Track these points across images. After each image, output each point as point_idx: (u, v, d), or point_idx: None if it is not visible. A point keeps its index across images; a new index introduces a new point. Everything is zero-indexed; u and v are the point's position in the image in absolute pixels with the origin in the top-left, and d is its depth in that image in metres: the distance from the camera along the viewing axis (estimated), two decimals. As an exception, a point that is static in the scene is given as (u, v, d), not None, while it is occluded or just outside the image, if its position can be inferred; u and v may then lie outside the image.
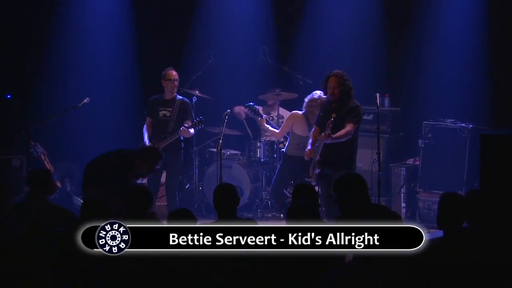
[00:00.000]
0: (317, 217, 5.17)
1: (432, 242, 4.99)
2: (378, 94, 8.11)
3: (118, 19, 11.06)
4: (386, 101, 9.87)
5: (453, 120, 9.47)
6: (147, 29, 11.15)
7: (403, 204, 9.43)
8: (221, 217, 5.67)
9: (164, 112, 8.74)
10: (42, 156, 9.75)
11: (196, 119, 8.56)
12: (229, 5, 11.14)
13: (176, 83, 8.78)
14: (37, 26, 10.80)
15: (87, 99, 9.02)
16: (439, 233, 5.45)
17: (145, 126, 8.89)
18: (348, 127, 7.66)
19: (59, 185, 9.81)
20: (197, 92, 10.15)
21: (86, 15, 10.93)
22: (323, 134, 7.67)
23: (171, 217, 5.24)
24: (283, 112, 10.20)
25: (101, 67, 10.95)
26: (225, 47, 11.01)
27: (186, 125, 8.51)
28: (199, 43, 11.08)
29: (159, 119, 8.74)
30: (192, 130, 8.58)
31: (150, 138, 8.72)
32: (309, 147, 8.02)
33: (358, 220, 5.09)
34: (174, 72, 8.83)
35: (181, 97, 8.85)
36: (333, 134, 7.63)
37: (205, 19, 11.13)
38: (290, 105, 10.54)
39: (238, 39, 11.09)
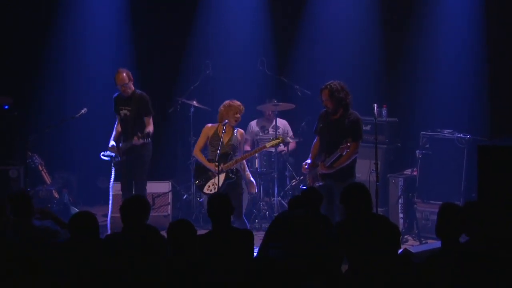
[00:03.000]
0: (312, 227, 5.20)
1: (431, 252, 4.99)
2: (376, 105, 8.10)
3: (116, 30, 11.08)
4: (384, 112, 9.88)
5: (450, 131, 9.47)
6: (145, 40, 11.17)
7: (400, 215, 9.41)
8: (216, 227, 5.69)
9: (124, 111, 8.65)
10: (39, 166, 9.75)
11: (144, 132, 8.31)
12: (227, 16, 11.16)
13: (123, 88, 8.54)
14: (35, 37, 10.82)
15: (85, 109, 9.02)
16: (437, 244, 5.46)
17: (115, 124, 8.79)
18: (352, 147, 7.72)
19: (56, 196, 9.80)
20: (194, 102, 10.17)
21: (84, 26, 10.95)
22: (322, 165, 7.77)
23: (172, 228, 5.24)
24: (280, 123, 10.20)
25: (98, 78, 10.96)
26: (223, 58, 11.03)
27: (139, 134, 8.32)
28: (197, 54, 11.09)
29: (122, 118, 8.68)
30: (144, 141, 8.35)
31: (115, 138, 8.65)
32: (309, 161, 8.01)
33: (359, 227, 5.19)
34: (120, 76, 8.59)
35: (139, 91, 8.67)
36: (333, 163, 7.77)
37: (203, 30, 11.15)
38: (287, 116, 10.56)
39: (236, 50, 11.11)
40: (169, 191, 10.12)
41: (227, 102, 8.44)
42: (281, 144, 10.16)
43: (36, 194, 9.62)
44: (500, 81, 9.96)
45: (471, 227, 5.03)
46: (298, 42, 11.08)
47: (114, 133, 8.74)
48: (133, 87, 8.66)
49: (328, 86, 7.87)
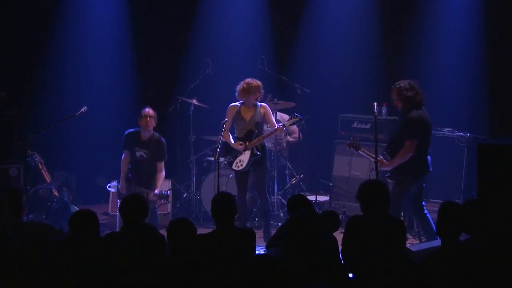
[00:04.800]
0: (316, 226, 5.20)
1: (431, 251, 4.99)
2: (375, 103, 8.10)
3: (116, 29, 11.08)
4: (384, 110, 9.87)
5: (450, 129, 9.48)
6: (145, 39, 11.17)
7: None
8: (219, 227, 5.67)
9: (140, 153, 8.65)
10: (39, 165, 9.74)
11: (164, 192, 8.57)
12: (227, 14, 11.16)
13: (149, 119, 8.58)
14: (35, 36, 10.82)
15: (85, 108, 9.00)
16: (437, 242, 5.46)
17: (122, 159, 8.78)
18: (406, 146, 7.71)
19: (56, 194, 9.80)
20: (194, 101, 10.16)
21: (84, 25, 10.95)
22: (381, 161, 7.86)
23: (172, 227, 5.24)
24: (281, 117, 10.17)
25: (99, 77, 10.97)
26: (223, 56, 11.03)
27: (156, 192, 8.55)
28: (197, 53, 11.09)
29: (136, 159, 8.68)
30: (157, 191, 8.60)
31: (126, 178, 8.69)
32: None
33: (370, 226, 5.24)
34: (147, 109, 8.63)
35: (158, 135, 8.71)
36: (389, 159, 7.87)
37: (203, 28, 11.16)
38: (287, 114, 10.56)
39: (236, 48, 11.11)
40: (169, 190, 10.11)
41: (247, 80, 8.56)
42: (288, 136, 10.14)
43: (36, 193, 9.62)
44: (500, 79, 9.97)
45: (471, 226, 5.03)
46: (298, 40, 11.09)
47: (122, 173, 8.74)
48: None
49: (397, 85, 7.87)
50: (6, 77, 10.57)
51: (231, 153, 8.68)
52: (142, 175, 8.62)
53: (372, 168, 8.16)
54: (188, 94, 10.29)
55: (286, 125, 8.66)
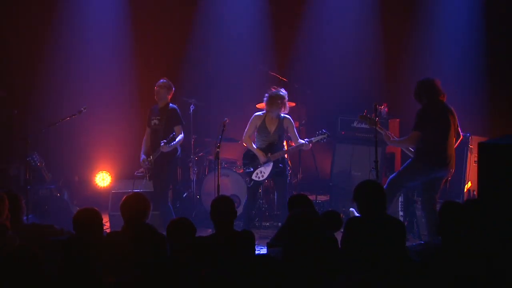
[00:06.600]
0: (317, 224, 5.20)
1: (431, 251, 4.99)
2: (376, 104, 8.12)
3: (116, 29, 11.09)
4: (384, 110, 9.89)
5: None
6: (145, 38, 11.18)
7: (400, 213, 9.41)
8: (218, 230, 5.65)
9: (155, 121, 8.74)
10: (39, 165, 9.75)
11: (170, 135, 8.46)
12: (227, 14, 11.17)
13: (157, 88, 8.69)
14: (35, 35, 10.83)
15: (85, 107, 9.02)
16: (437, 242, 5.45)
17: (144, 137, 8.90)
18: (410, 136, 7.92)
19: (56, 194, 9.81)
20: (194, 100, 10.16)
21: (85, 26, 10.96)
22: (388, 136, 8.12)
23: (171, 227, 5.23)
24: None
25: (99, 77, 10.97)
26: (223, 56, 11.04)
27: (164, 141, 8.44)
28: (197, 52, 11.10)
29: (152, 127, 8.77)
30: (170, 144, 8.45)
31: (145, 153, 8.74)
32: None
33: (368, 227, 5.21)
34: (160, 81, 8.77)
35: (171, 104, 8.77)
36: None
37: (203, 28, 11.16)
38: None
39: (236, 48, 11.12)
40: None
41: (274, 92, 8.56)
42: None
43: (37, 193, 9.62)
44: (501, 79, 9.98)
45: (471, 225, 5.04)
46: (298, 41, 11.09)
47: (143, 148, 8.84)
48: (167, 100, 8.74)
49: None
50: (6, 77, 10.58)
51: (253, 163, 8.68)
52: (158, 143, 8.56)
53: (372, 168, 8.17)
54: (188, 94, 10.29)
55: (313, 141, 8.65)
